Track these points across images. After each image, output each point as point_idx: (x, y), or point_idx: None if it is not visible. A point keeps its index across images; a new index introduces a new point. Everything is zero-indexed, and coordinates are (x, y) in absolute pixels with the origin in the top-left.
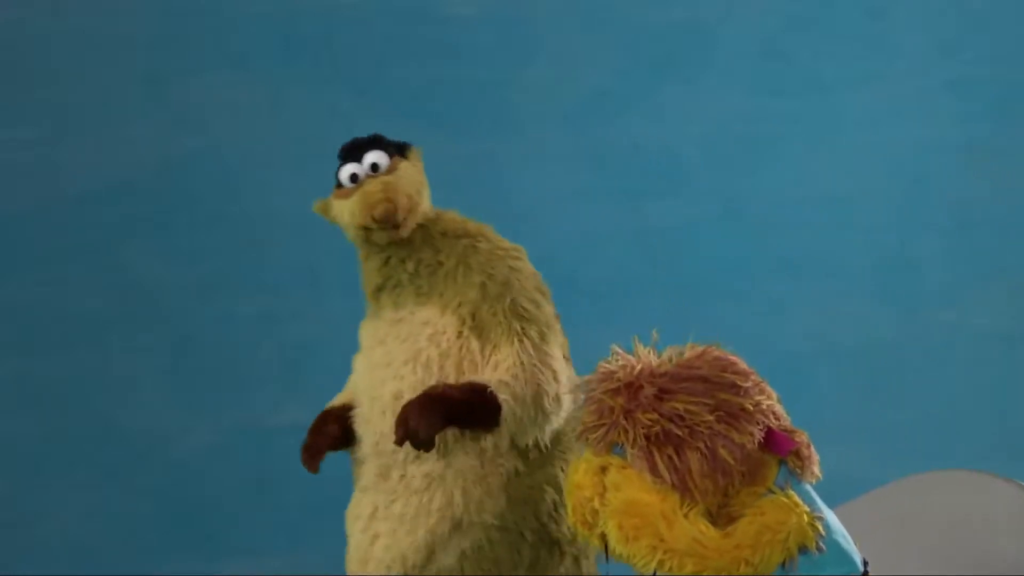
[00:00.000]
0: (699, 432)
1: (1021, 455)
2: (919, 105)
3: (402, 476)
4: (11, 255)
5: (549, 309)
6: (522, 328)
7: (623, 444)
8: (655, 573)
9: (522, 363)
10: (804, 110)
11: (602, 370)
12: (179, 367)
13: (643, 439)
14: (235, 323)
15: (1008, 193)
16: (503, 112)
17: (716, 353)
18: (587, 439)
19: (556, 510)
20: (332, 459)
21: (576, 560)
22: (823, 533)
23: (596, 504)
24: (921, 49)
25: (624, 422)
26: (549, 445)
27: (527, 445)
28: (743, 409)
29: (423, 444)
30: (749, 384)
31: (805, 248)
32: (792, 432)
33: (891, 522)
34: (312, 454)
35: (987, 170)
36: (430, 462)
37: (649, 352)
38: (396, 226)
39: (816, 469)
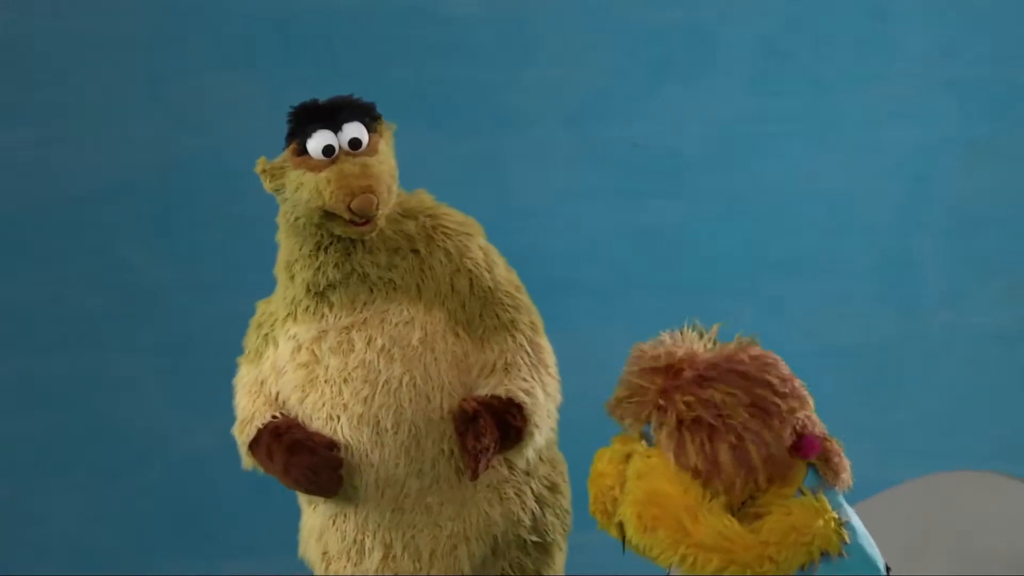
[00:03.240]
0: (731, 424)
1: (1021, 455)
2: (919, 105)
3: (427, 507)
4: (11, 255)
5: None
6: (516, 321)
7: (653, 425)
8: (671, 571)
9: (528, 363)
10: (804, 110)
11: (644, 348)
12: (179, 367)
13: (676, 420)
14: (235, 323)
15: (1008, 193)
16: (503, 112)
17: (759, 351)
18: (619, 411)
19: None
20: None
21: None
22: (847, 541)
23: (617, 493)
24: (921, 49)
25: (660, 400)
26: None
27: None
28: (777, 410)
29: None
30: (787, 389)
31: (805, 247)
32: (824, 439)
33: (906, 522)
34: (333, 470)
35: (987, 170)
36: (459, 484)
37: (695, 338)
38: (368, 221)
39: (847, 477)
